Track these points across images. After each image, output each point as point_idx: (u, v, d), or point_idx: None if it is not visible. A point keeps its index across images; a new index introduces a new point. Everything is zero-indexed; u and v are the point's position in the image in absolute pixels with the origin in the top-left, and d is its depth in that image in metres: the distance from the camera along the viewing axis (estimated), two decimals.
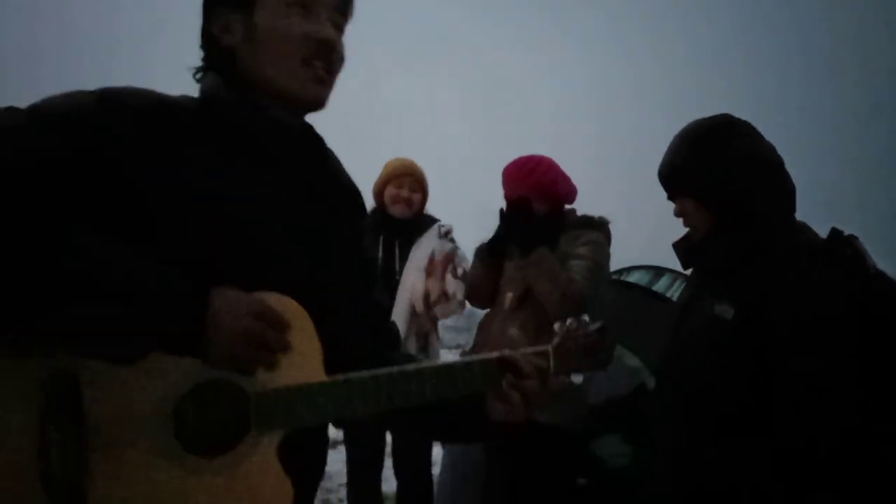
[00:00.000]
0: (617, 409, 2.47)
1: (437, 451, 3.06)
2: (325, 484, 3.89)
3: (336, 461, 4.11)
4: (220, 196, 0.78)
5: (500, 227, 2.11)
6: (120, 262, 0.69)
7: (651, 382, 2.56)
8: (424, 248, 2.44)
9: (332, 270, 0.86)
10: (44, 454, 0.67)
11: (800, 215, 1.34)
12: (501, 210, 2.07)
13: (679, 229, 1.44)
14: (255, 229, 0.80)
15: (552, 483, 2.03)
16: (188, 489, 0.73)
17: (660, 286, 3.52)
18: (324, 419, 0.81)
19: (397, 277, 2.40)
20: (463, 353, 3.11)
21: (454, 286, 2.35)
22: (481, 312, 2.31)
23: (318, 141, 0.93)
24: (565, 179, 2.17)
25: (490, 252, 2.15)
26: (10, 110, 0.73)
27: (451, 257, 2.43)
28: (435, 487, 2.70)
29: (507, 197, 2.15)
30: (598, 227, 2.15)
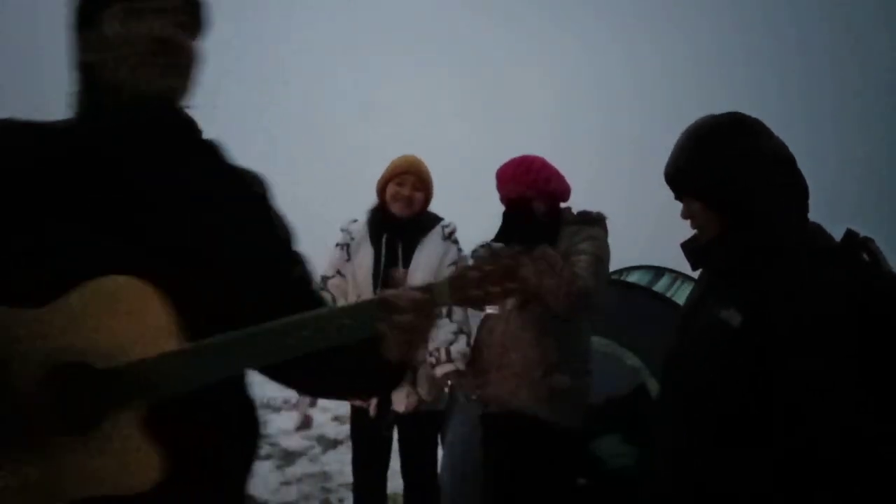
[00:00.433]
0: (617, 409, 2.48)
1: (438, 452, 3.07)
2: (325, 484, 3.90)
3: (335, 461, 4.11)
4: (92, 195, 0.85)
5: (501, 229, 2.10)
6: None
7: (651, 382, 2.57)
8: (428, 252, 2.39)
9: (216, 249, 0.89)
10: None
11: None
12: (505, 214, 2.05)
13: (680, 228, 1.44)
14: (135, 219, 0.86)
15: (552, 483, 2.03)
16: (63, 468, 0.78)
17: (660, 286, 3.53)
18: (185, 387, 0.81)
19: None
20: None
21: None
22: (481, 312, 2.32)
23: (188, 131, 0.99)
24: (559, 177, 2.17)
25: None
26: None
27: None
28: None
29: (503, 197, 2.16)
30: (597, 223, 2.15)
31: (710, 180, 1.29)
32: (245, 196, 1.01)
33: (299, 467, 4.25)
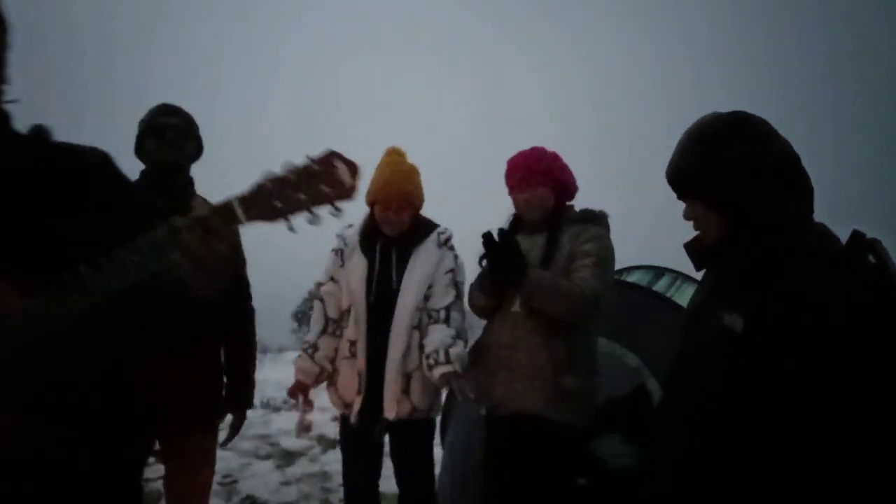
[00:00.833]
0: (617, 409, 2.47)
1: (437, 452, 3.07)
2: (325, 484, 3.90)
3: (335, 461, 4.10)
4: None
5: (490, 261, 2.06)
6: None
7: (651, 382, 2.57)
8: (423, 260, 2.36)
9: (37, 231, 0.88)
10: None
11: None
12: (487, 237, 2.00)
13: (679, 228, 1.43)
14: None
15: (556, 483, 2.03)
16: None
17: (660, 286, 3.53)
18: None
19: (394, 286, 2.34)
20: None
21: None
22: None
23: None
24: (569, 172, 2.20)
25: (490, 288, 2.15)
26: None
27: (451, 276, 2.40)
28: (435, 488, 2.69)
29: (513, 186, 2.18)
30: (599, 221, 2.16)
31: (712, 181, 1.27)
32: (67, 173, 0.98)
33: (299, 467, 4.26)
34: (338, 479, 3.24)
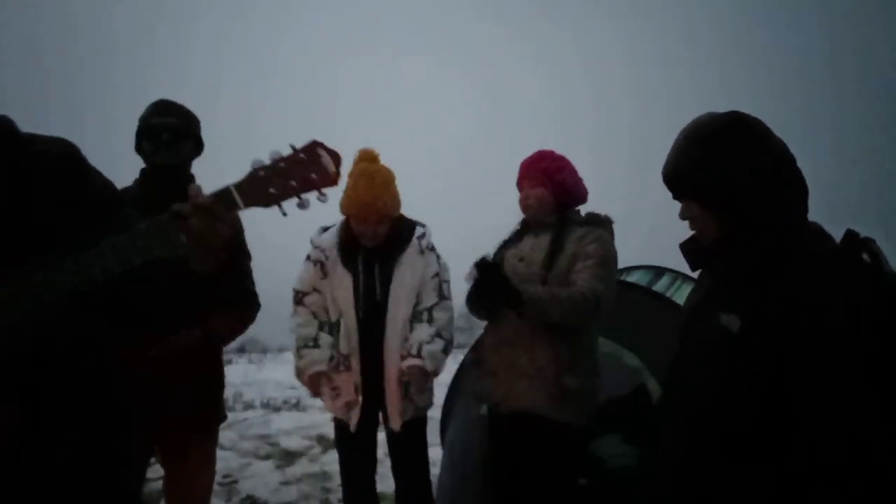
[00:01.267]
0: (617, 409, 2.47)
1: (437, 452, 3.07)
2: (325, 484, 3.90)
3: (335, 461, 4.10)
4: None
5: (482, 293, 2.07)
6: None
7: (651, 382, 2.57)
8: (407, 270, 2.36)
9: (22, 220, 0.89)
10: None
11: None
12: (481, 265, 2.00)
13: (679, 228, 1.43)
14: None
15: (557, 483, 2.04)
16: None
17: (660, 286, 3.53)
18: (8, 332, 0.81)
19: (379, 299, 2.35)
20: (465, 354, 3.10)
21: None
22: None
23: None
24: (573, 174, 2.21)
25: (485, 312, 2.18)
26: None
27: (437, 280, 2.41)
28: (435, 488, 2.69)
29: (518, 186, 2.23)
30: (604, 225, 2.17)
31: (708, 181, 1.28)
32: (34, 164, 0.99)
33: (299, 467, 4.26)
34: (337, 479, 3.24)
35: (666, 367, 1.46)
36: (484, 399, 2.17)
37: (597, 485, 2.35)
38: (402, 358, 2.31)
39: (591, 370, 2.09)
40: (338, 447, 2.56)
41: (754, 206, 1.24)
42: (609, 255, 2.09)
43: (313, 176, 0.87)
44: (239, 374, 8.08)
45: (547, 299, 1.95)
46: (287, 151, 0.88)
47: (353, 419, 2.38)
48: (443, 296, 2.42)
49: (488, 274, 1.94)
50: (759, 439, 1.17)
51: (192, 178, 2.11)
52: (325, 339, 2.38)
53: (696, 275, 1.54)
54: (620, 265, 2.25)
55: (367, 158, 2.37)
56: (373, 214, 2.29)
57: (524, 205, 2.21)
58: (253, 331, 2.39)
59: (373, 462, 2.51)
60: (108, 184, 1.05)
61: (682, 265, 1.47)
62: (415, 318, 2.38)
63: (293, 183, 0.86)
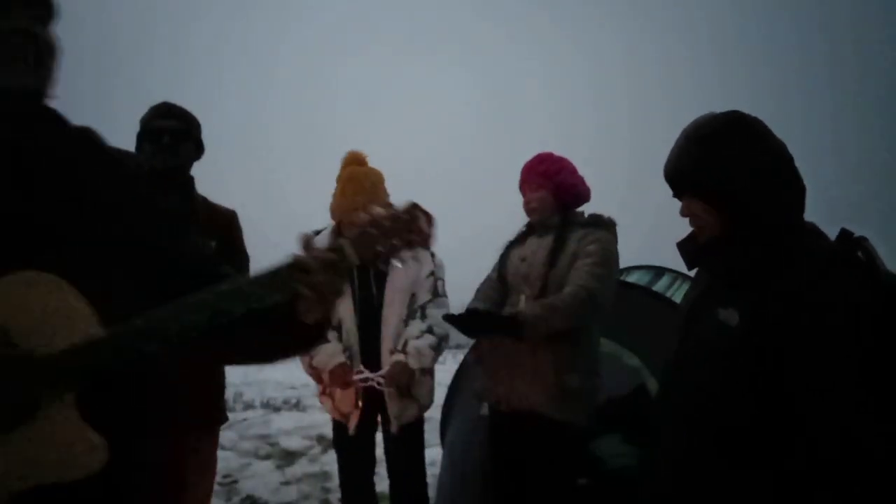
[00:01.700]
0: (617, 409, 2.47)
1: (437, 452, 3.07)
2: (324, 484, 3.90)
3: (335, 461, 4.11)
4: None
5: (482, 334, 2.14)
6: None
7: (651, 382, 2.56)
8: (402, 275, 2.35)
9: (102, 232, 0.91)
10: None
11: None
12: (473, 314, 2.07)
13: (679, 228, 1.43)
14: (18, 210, 0.85)
15: (557, 482, 2.04)
16: (5, 460, 0.78)
17: (660, 286, 3.53)
18: (112, 367, 0.83)
19: (376, 303, 2.36)
20: (465, 354, 3.09)
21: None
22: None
23: (55, 123, 0.98)
24: (573, 175, 2.23)
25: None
26: None
27: (432, 280, 2.42)
28: (435, 488, 2.69)
29: (520, 189, 2.25)
30: (606, 227, 2.18)
31: (709, 178, 1.28)
32: (124, 177, 1.02)
33: (299, 467, 4.26)
34: (338, 478, 3.25)
35: (663, 365, 1.46)
36: (484, 397, 2.19)
37: (597, 485, 2.35)
38: (391, 353, 2.32)
39: (591, 370, 2.10)
40: (336, 448, 2.56)
41: (754, 204, 1.24)
42: (609, 255, 2.09)
43: (413, 237, 0.93)
44: (239, 374, 8.07)
45: (545, 312, 1.98)
46: (392, 210, 0.95)
47: (352, 422, 2.39)
48: (437, 293, 2.43)
49: (475, 322, 2.01)
50: (759, 439, 1.17)
51: (191, 181, 2.11)
52: (332, 335, 2.38)
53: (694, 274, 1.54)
54: (621, 265, 2.26)
55: (355, 161, 2.36)
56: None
57: (527, 209, 2.23)
58: None
59: (371, 462, 2.51)
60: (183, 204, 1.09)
61: (682, 265, 1.47)
62: (409, 315, 2.39)
63: (396, 242, 0.93)
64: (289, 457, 4.49)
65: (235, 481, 3.91)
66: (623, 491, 2.14)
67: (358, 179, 2.30)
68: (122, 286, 0.87)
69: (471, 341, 2.31)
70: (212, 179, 2.28)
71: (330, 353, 2.33)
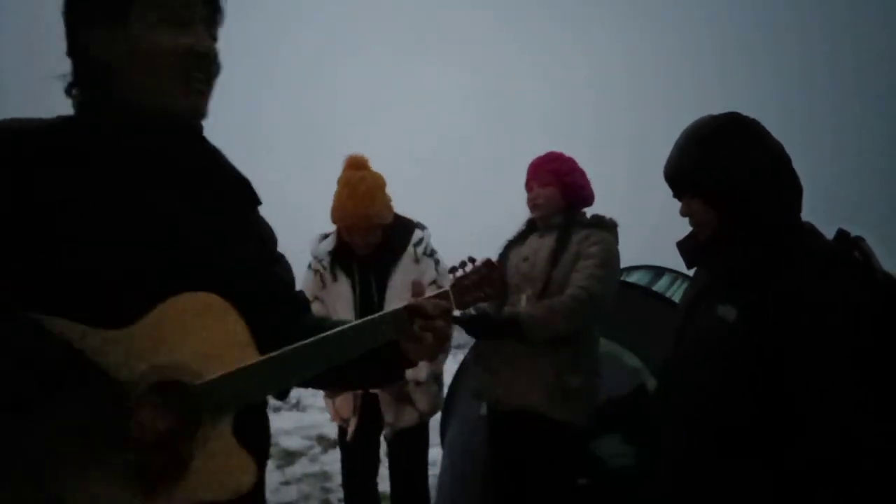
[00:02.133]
0: (617, 409, 2.47)
1: (437, 452, 3.07)
2: (325, 484, 3.90)
3: (335, 461, 4.12)
4: (106, 207, 0.79)
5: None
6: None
7: (651, 382, 2.57)
8: (401, 280, 2.31)
9: (236, 257, 0.91)
10: None
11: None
12: (473, 315, 2.08)
13: (679, 228, 1.44)
14: (159, 236, 0.82)
15: (556, 482, 2.04)
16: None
17: (660, 286, 3.53)
18: (266, 393, 0.88)
19: (376, 308, 2.35)
20: (466, 354, 3.09)
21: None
22: None
23: (201, 142, 0.95)
24: (583, 177, 2.24)
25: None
26: None
27: (435, 287, 2.41)
28: (435, 488, 2.69)
29: (526, 187, 2.26)
30: (608, 229, 2.19)
31: (709, 178, 1.29)
32: (248, 201, 1.01)
33: (299, 467, 4.26)
34: (338, 479, 3.25)
35: (662, 363, 1.47)
36: (484, 396, 2.19)
37: (597, 485, 2.35)
38: None
39: (591, 370, 2.10)
40: (340, 447, 2.57)
41: (754, 204, 1.25)
42: (609, 257, 2.10)
43: (489, 290, 1.10)
44: None
45: (544, 315, 1.99)
46: (474, 267, 1.11)
47: (350, 427, 2.40)
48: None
49: (475, 323, 2.01)
50: (759, 439, 1.17)
51: None
52: None
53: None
54: (621, 265, 2.26)
55: (353, 166, 2.32)
56: (359, 224, 2.25)
57: (533, 204, 2.22)
58: None
59: (374, 463, 2.51)
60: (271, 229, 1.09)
61: (682, 265, 1.47)
62: None
63: (480, 294, 1.09)
64: (289, 457, 4.49)
65: None
66: (623, 491, 2.14)
67: (352, 185, 2.26)
68: (257, 309, 0.88)
69: (471, 341, 2.31)
70: None
71: None
